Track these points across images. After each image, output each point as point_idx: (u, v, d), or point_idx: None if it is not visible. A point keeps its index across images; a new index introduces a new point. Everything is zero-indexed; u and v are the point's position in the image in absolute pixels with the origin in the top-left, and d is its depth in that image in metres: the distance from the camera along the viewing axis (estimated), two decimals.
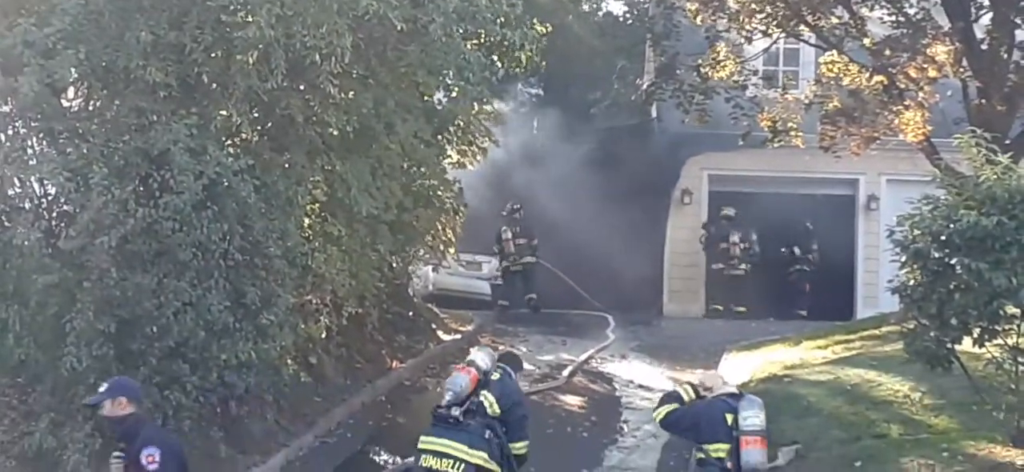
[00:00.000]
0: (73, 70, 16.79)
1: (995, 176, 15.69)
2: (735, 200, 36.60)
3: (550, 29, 32.05)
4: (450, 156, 25.96)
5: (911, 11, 25.64)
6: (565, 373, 25.95)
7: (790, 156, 30.91)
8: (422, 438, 13.71)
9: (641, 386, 24.97)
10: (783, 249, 36.47)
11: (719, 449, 12.12)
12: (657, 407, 13.35)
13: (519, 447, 13.56)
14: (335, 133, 19.34)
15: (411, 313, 27.83)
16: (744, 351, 26.84)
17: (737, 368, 24.19)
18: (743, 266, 35.76)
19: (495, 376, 13.76)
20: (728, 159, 34.71)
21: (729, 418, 12.12)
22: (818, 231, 36.64)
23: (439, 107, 24.25)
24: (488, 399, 13.48)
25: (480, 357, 13.91)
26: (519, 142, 37.22)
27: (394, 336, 25.84)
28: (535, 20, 29.69)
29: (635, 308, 35.25)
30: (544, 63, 33.19)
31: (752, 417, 12.13)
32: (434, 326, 28.36)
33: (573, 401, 23.85)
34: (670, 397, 13.08)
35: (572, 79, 37.96)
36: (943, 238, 15.63)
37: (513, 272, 34.05)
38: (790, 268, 36.48)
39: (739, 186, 36.74)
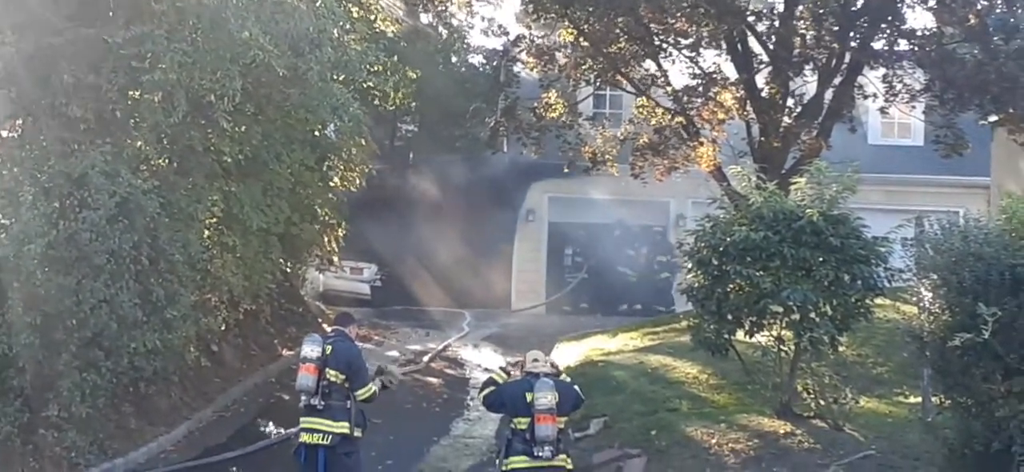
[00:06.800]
0: (7, 106, 16.45)
1: (762, 199, 15.91)
2: (570, 218, 36.94)
3: (420, 76, 32.09)
4: (333, 181, 25.73)
5: (705, 64, 25.91)
6: (425, 358, 25.87)
7: (616, 182, 30.95)
8: (300, 418, 13.60)
9: (487, 369, 24.78)
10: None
11: (521, 422, 11.95)
12: (479, 392, 13.27)
13: (362, 393, 13.44)
14: (229, 160, 19.12)
15: (301, 309, 27.57)
16: (573, 341, 26.92)
17: (565, 354, 24.26)
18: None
19: (329, 349, 13.51)
20: (565, 185, 34.42)
21: (528, 396, 11.94)
22: (640, 243, 37.22)
23: (326, 141, 24.01)
24: (332, 374, 13.31)
25: (308, 349, 13.58)
26: (398, 169, 37.20)
27: (285, 328, 25.56)
28: (407, 68, 29.65)
29: (489, 305, 35.36)
30: (415, 105, 33.10)
31: (541, 398, 11.80)
32: (320, 319, 28.08)
33: (431, 381, 23.74)
34: (487, 383, 12.96)
35: (440, 118, 37.90)
36: (721, 249, 15.80)
37: None
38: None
39: (574, 207, 36.91)
